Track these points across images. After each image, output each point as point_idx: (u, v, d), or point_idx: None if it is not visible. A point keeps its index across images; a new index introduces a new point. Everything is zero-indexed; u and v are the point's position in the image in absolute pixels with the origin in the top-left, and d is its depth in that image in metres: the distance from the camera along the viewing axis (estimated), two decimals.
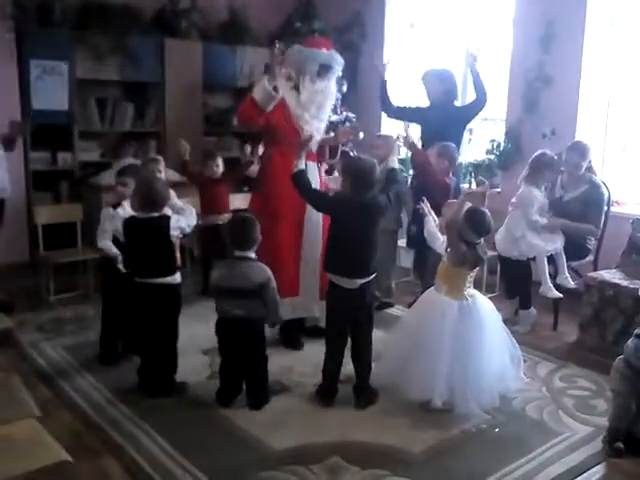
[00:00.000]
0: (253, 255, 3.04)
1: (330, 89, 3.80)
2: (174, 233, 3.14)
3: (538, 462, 2.68)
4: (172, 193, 4.43)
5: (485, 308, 3.12)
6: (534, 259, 4.12)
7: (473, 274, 3.11)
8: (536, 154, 4.22)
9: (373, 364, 3.24)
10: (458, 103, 4.84)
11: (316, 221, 3.73)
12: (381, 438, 2.84)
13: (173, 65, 5.82)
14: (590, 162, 4.26)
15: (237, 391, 3.13)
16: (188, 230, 3.28)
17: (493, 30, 5.66)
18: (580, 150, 4.21)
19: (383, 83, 4.71)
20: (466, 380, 2.97)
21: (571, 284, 4.14)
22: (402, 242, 5.15)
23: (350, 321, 3.14)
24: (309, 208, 3.60)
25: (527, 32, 5.08)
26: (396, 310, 4.55)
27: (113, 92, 5.80)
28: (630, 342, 2.79)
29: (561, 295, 4.14)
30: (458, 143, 4.46)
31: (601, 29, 4.86)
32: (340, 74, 3.95)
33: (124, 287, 3.35)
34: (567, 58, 4.87)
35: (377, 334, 3.78)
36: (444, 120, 4.39)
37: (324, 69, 3.71)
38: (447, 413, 3.01)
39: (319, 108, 3.74)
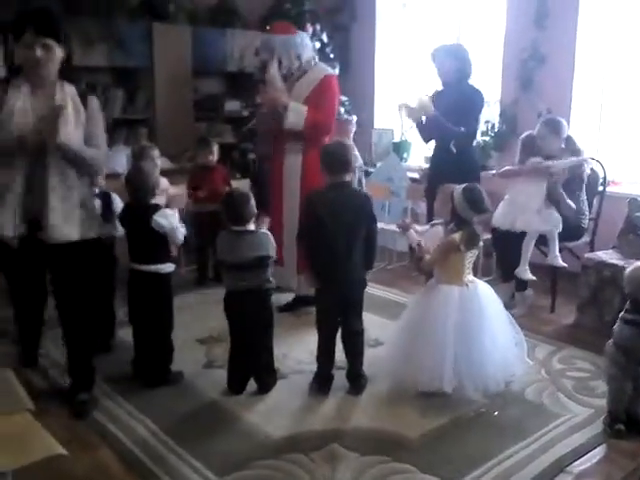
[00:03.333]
0: (252, 227, 3.05)
1: (270, 66, 3.91)
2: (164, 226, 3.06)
3: (538, 445, 2.66)
4: (166, 183, 4.38)
5: (486, 294, 3.08)
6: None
7: (471, 258, 3.07)
8: (523, 135, 4.28)
9: (375, 350, 3.21)
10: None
11: (294, 187, 3.95)
12: (380, 424, 2.82)
13: (162, 50, 5.73)
14: (569, 140, 4.18)
15: (248, 376, 3.12)
16: (175, 233, 3.11)
17: (486, 9, 5.58)
18: (547, 122, 4.17)
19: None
20: (470, 367, 2.94)
21: (560, 263, 4.10)
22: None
23: (339, 310, 3.10)
24: (286, 175, 3.97)
25: (520, 10, 5.02)
26: (393, 295, 4.52)
27: (102, 78, 5.71)
28: (616, 327, 2.76)
29: (534, 278, 4.09)
30: (472, 127, 4.09)
31: (595, 5, 4.79)
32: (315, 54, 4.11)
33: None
34: (561, 35, 4.82)
35: (374, 319, 3.76)
36: (458, 100, 3.96)
37: (266, 51, 3.97)
38: (446, 398, 2.98)
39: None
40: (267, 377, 3.14)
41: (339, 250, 3.00)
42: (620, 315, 2.77)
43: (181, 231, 3.14)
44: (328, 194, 3.06)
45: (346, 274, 3.03)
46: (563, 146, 4.17)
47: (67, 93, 2.71)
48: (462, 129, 3.93)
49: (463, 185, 3.04)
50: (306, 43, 3.98)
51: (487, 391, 3.00)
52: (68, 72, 2.78)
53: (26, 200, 2.64)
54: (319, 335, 3.16)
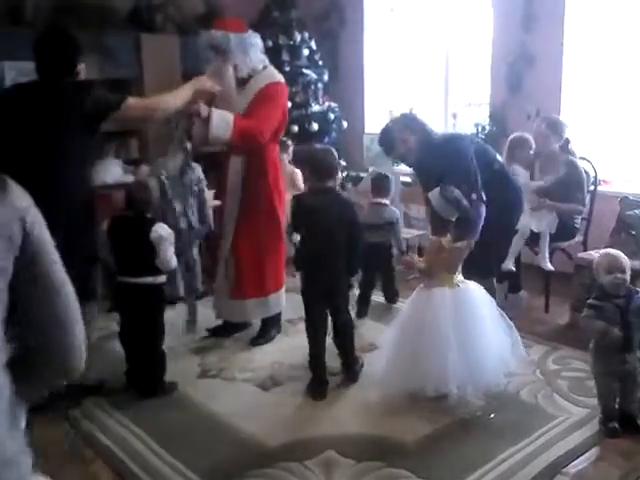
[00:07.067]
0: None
1: (223, 70, 3.47)
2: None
3: (535, 447, 2.65)
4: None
5: (477, 293, 3.09)
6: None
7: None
8: (510, 137, 4.25)
9: (372, 354, 3.30)
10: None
11: (231, 207, 3.67)
12: (375, 429, 2.80)
13: (151, 60, 5.71)
14: (567, 141, 4.20)
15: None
16: (168, 246, 3.09)
17: (473, 12, 5.60)
18: (550, 122, 4.17)
19: None
20: (470, 367, 2.93)
21: (549, 266, 4.10)
22: None
23: (326, 306, 3.16)
24: (230, 197, 3.64)
25: (507, 12, 5.02)
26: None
27: None
28: (584, 315, 2.75)
29: (513, 268, 4.06)
30: (473, 182, 3.27)
31: (582, 5, 4.81)
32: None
33: None
34: (549, 37, 4.82)
35: (370, 323, 3.74)
36: (445, 166, 3.28)
37: (214, 50, 3.50)
38: (441, 401, 2.96)
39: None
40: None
41: (322, 249, 3.07)
42: (588, 301, 2.77)
43: (172, 250, 3.12)
44: (313, 198, 3.15)
45: (329, 273, 3.09)
46: (559, 146, 4.18)
47: None
48: (473, 196, 3.22)
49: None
50: (258, 44, 3.58)
51: (488, 390, 2.99)
52: None
53: None
54: (308, 334, 3.19)
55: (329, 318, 3.21)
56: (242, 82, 3.54)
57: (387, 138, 3.51)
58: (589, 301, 2.76)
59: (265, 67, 3.61)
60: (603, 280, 2.72)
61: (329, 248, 3.06)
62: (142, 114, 3.09)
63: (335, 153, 3.17)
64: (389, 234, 4.23)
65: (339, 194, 3.21)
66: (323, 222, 3.05)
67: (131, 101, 2.96)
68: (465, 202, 3.06)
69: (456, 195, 3.04)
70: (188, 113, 3.34)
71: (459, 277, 3.07)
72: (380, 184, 4.32)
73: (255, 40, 3.56)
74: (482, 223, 3.23)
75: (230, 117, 3.37)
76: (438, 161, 3.34)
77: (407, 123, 3.46)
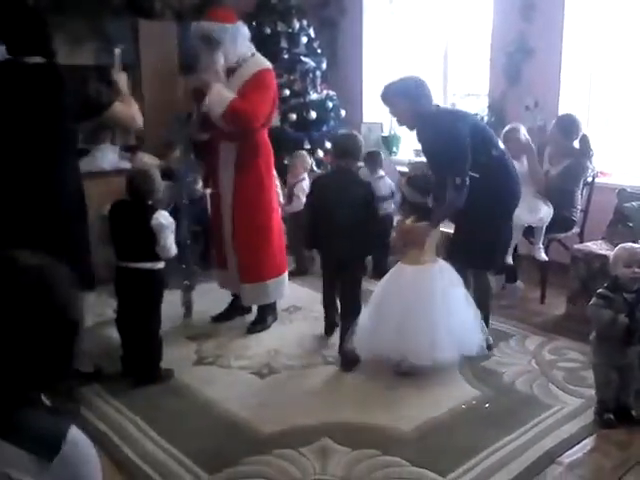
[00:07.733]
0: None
1: (214, 60, 3.50)
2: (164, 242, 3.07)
3: (530, 436, 2.66)
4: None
5: (443, 272, 3.19)
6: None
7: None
8: (506, 129, 4.24)
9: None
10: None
11: (225, 194, 3.70)
12: (370, 417, 2.81)
13: (148, 47, 5.69)
14: (584, 139, 4.17)
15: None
16: (169, 235, 3.10)
17: (473, 2, 5.58)
18: (562, 126, 4.17)
19: None
20: (418, 336, 3.08)
21: (543, 257, 4.12)
22: None
23: (335, 273, 3.40)
24: (223, 183, 3.69)
25: (507, 2, 5.01)
26: None
27: (89, 77, 5.66)
28: (592, 303, 2.74)
29: (512, 263, 4.10)
30: (462, 171, 3.17)
31: None
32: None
33: None
34: (548, 28, 4.80)
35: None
36: (433, 150, 3.34)
37: (205, 41, 3.52)
38: (436, 389, 3.00)
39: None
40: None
41: (334, 223, 3.23)
42: (598, 290, 2.77)
43: (172, 238, 3.12)
44: (329, 177, 3.47)
45: (340, 244, 3.24)
46: (577, 144, 4.16)
47: None
48: (457, 180, 3.15)
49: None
50: (245, 33, 3.61)
51: (440, 359, 3.11)
52: None
53: None
54: (324, 307, 3.61)
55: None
56: (231, 70, 3.58)
57: (384, 95, 3.45)
58: (599, 290, 2.75)
59: (253, 54, 3.65)
60: (619, 272, 2.71)
61: (338, 224, 3.21)
62: (122, 121, 3.12)
63: (359, 137, 3.42)
64: (392, 204, 4.59)
65: (355, 174, 3.39)
66: (334, 199, 3.23)
67: (117, 106, 2.94)
68: (436, 191, 3.19)
69: (425, 184, 3.23)
70: (198, 90, 3.49)
71: (429, 257, 3.18)
72: (374, 159, 4.76)
73: (242, 30, 3.59)
74: (453, 209, 3.24)
75: (229, 95, 3.44)
76: (428, 136, 3.33)
77: (406, 87, 3.37)
